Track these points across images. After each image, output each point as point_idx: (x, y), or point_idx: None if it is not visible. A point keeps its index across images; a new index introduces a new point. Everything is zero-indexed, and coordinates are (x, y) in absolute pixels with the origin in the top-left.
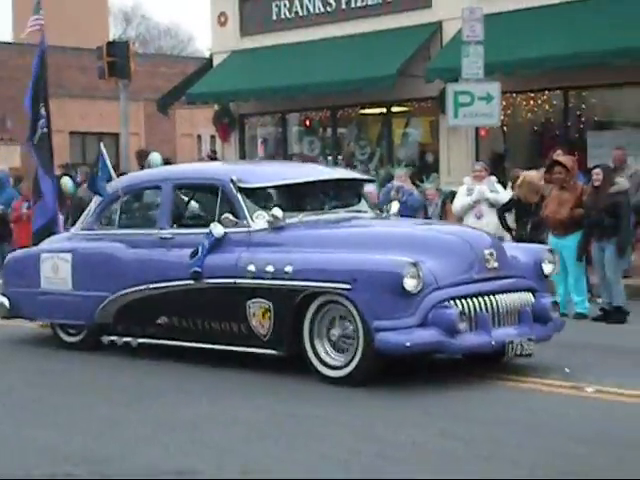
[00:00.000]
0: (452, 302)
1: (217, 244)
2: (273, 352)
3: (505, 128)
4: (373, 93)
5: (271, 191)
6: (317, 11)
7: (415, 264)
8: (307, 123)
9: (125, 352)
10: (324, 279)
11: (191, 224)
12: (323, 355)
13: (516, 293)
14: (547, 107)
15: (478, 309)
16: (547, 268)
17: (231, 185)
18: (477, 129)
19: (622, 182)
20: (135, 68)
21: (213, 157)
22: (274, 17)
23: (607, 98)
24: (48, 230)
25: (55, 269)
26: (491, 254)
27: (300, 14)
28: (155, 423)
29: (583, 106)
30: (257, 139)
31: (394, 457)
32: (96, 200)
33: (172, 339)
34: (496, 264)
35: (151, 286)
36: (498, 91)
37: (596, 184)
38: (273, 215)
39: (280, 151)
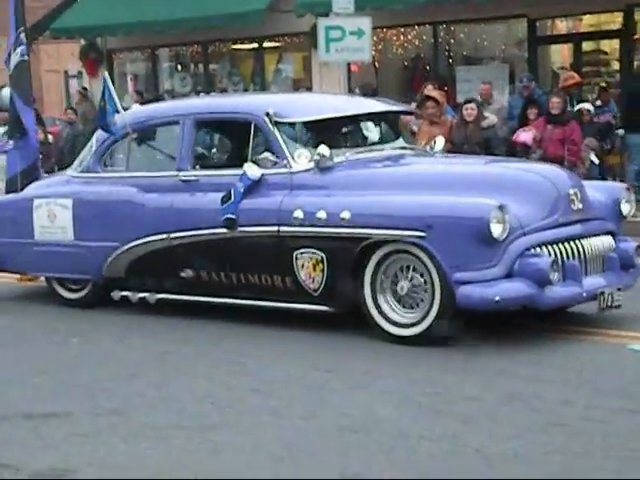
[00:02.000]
0: (541, 249)
1: (253, 187)
2: (324, 308)
3: (377, 63)
4: (244, 28)
5: (312, 126)
6: None
7: (501, 207)
8: (178, 59)
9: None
10: (391, 226)
11: (218, 165)
12: (388, 312)
13: (600, 237)
14: (417, 42)
15: (566, 257)
16: (625, 208)
17: (267, 120)
18: (349, 64)
19: (492, 117)
20: None
21: (84, 95)
22: None
23: (475, 33)
24: (33, 173)
25: (52, 217)
26: (575, 194)
27: None
28: (24, 365)
29: (452, 41)
30: (127, 75)
31: (268, 392)
32: (98, 138)
33: (198, 294)
34: (581, 205)
35: (173, 235)
36: (369, 26)
37: (469, 119)
38: (319, 154)
39: (151, 88)
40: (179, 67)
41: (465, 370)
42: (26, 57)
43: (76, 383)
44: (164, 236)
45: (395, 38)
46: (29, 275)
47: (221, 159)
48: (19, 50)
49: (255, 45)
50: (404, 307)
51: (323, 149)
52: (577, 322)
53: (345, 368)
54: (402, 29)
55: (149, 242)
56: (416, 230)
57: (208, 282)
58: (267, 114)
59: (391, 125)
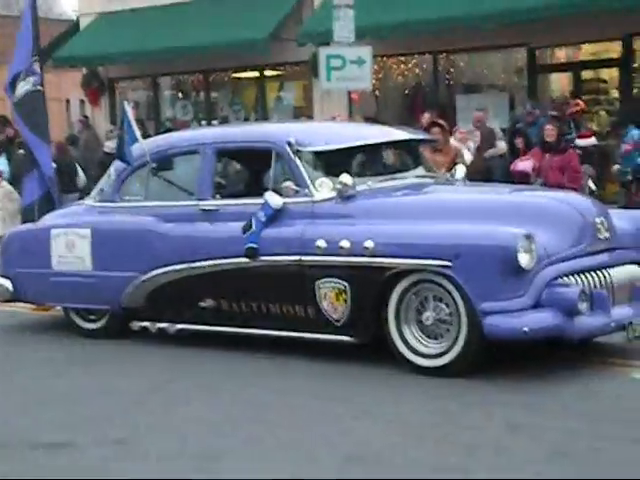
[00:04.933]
0: (569, 279)
1: (274, 216)
2: (348, 339)
3: (377, 92)
4: (246, 57)
5: (333, 155)
6: None
7: (528, 236)
8: (179, 87)
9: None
10: (417, 255)
11: (238, 194)
12: (413, 342)
13: (627, 266)
14: (417, 71)
15: (594, 286)
16: None
17: (288, 148)
18: (349, 92)
19: (501, 144)
20: None
21: (85, 123)
22: None
23: (474, 62)
24: (47, 204)
25: (70, 247)
26: (602, 223)
27: None
28: (26, 395)
29: (452, 70)
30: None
31: (272, 421)
32: (117, 167)
33: (218, 324)
34: (607, 234)
35: (193, 265)
36: (369, 55)
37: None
38: (342, 182)
39: (152, 115)
40: (180, 95)
41: (467, 399)
42: (39, 87)
43: (79, 412)
44: (184, 266)
45: (395, 67)
46: (45, 305)
47: (241, 188)
48: (32, 79)
49: (256, 73)
50: (430, 338)
51: (345, 178)
52: (580, 350)
53: (346, 396)
54: (402, 58)
55: (169, 272)
56: (442, 259)
57: (229, 312)
58: (288, 143)
59: (411, 153)
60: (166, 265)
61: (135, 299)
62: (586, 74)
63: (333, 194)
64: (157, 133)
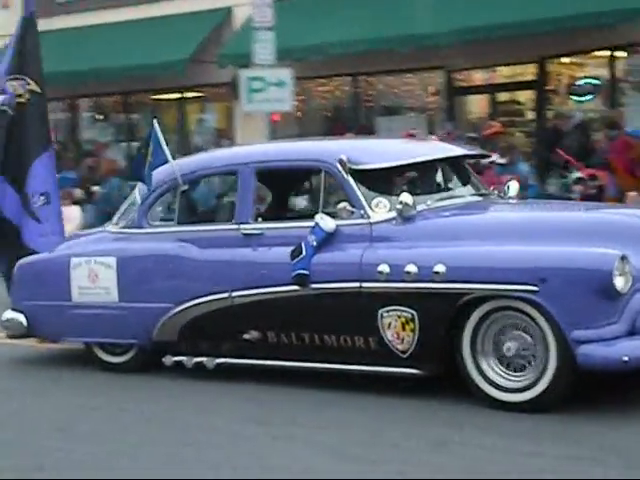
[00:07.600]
0: None
1: (326, 240)
2: (415, 371)
3: (299, 113)
4: (166, 78)
5: (388, 173)
6: None
7: (624, 258)
8: (98, 108)
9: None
10: (496, 280)
11: (283, 217)
12: (492, 375)
13: None
14: (338, 93)
15: None
16: None
17: (340, 167)
18: (270, 114)
19: None
20: None
21: None
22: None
23: (394, 84)
24: None
25: (93, 277)
26: None
27: None
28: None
29: (371, 92)
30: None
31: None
32: (142, 190)
33: (264, 358)
34: None
35: (235, 294)
36: (290, 77)
37: None
38: (402, 202)
39: (71, 137)
40: (99, 117)
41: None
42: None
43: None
44: (225, 295)
45: (316, 89)
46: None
47: (286, 210)
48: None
49: (177, 95)
50: (510, 370)
51: (406, 197)
52: None
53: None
54: (322, 80)
55: (207, 302)
56: (527, 284)
57: (277, 344)
58: (340, 161)
59: (461, 170)
60: (204, 295)
61: (168, 332)
62: (502, 96)
63: (391, 215)
64: (78, 155)
